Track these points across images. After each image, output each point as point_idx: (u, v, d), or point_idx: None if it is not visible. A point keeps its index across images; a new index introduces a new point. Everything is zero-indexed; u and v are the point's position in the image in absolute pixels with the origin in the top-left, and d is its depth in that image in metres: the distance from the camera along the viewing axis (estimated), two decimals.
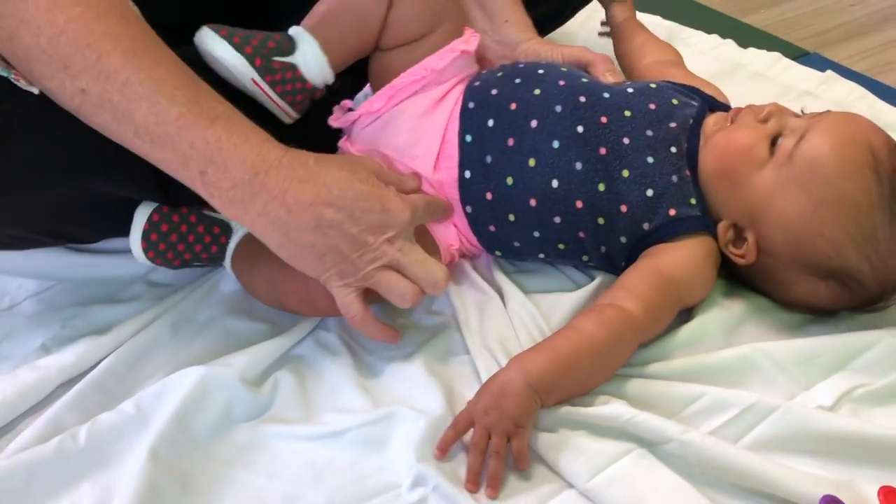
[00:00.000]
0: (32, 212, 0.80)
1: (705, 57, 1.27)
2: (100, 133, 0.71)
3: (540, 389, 0.70)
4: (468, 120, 0.84)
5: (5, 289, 0.91)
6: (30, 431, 0.72)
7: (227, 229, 0.86)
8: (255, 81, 0.81)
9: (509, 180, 0.82)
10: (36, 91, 0.71)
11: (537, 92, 0.84)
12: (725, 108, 0.88)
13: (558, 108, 0.82)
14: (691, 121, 0.84)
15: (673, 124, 0.83)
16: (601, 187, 0.81)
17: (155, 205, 0.83)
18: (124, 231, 0.84)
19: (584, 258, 0.86)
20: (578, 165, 0.81)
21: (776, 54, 1.28)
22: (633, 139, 0.82)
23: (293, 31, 0.84)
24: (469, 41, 0.88)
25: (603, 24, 1.14)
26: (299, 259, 0.74)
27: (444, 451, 0.69)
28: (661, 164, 0.81)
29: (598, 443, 0.69)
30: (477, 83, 0.87)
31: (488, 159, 0.83)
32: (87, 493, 0.68)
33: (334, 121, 0.88)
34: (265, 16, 0.90)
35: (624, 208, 0.81)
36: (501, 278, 0.87)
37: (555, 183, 0.81)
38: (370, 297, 0.76)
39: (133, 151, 0.71)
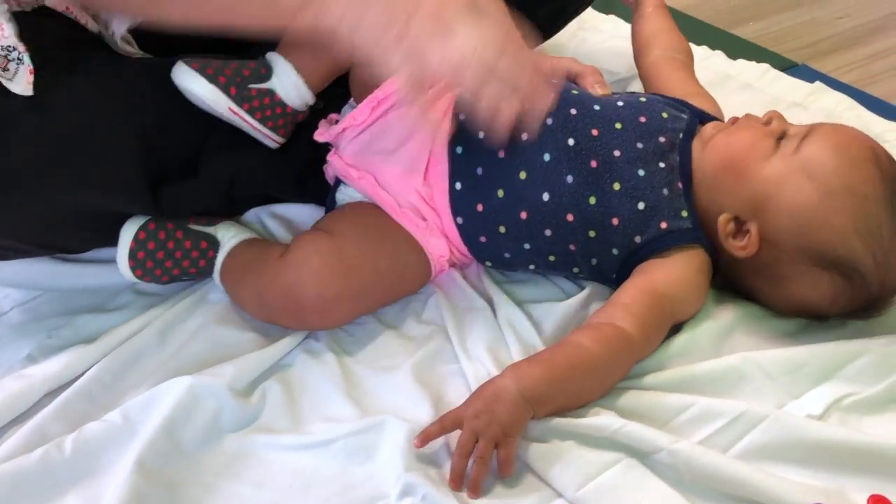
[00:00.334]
0: (19, 223, 0.79)
1: (695, 68, 1.28)
2: (86, 142, 0.71)
3: (533, 399, 0.70)
4: (458, 132, 0.85)
5: None
6: (14, 440, 0.72)
7: (214, 243, 0.86)
8: (232, 110, 0.82)
9: (500, 193, 0.82)
10: None
11: None
12: (717, 120, 0.88)
13: (549, 121, 0.82)
14: (681, 135, 0.84)
15: (662, 139, 0.83)
16: (592, 200, 0.81)
17: (141, 222, 0.83)
18: (113, 241, 0.83)
19: (575, 270, 0.86)
20: (570, 178, 0.81)
21: (765, 66, 1.29)
22: (624, 152, 0.82)
23: (268, 56, 0.86)
24: None
25: None
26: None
27: (424, 442, 0.68)
28: (651, 176, 0.81)
29: (588, 452, 0.69)
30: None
31: (479, 171, 0.83)
32: None
33: (319, 136, 0.88)
34: (244, 42, 0.90)
35: (615, 221, 0.81)
36: (492, 288, 0.87)
37: (546, 196, 0.81)
38: None
39: (213, 21, 0.71)
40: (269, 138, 0.86)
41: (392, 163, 0.85)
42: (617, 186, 0.81)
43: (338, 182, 0.89)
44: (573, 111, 0.83)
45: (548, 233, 0.82)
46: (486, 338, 0.80)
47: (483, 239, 0.85)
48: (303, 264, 0.80)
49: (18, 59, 0.74)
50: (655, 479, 0.67)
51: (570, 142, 0.82)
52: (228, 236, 0.86)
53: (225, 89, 0.82)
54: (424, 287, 0.88)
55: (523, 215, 0.82)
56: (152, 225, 0.83)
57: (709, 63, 1.31)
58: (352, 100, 0.90)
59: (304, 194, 0.94)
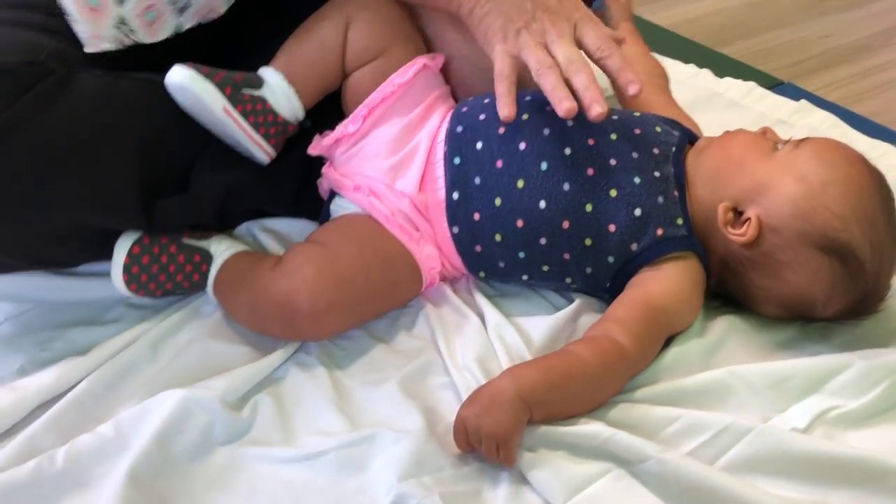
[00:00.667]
0: (11, 238, 0.79)
1: (682, 86, 1.28)
2: (80, 158, 0.71)
3: (531, 401, 0.71)
4: (456, 143, 0.86)
5: None
6: (6, 452, 0.72)
7: (207, 257, 0.86)
8: (226, 111, 0.82)
9: (497, 201, 0.84)
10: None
11: (525, 117, 0.85)
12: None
13: (546, 131, 0.84)
14: (674, 148, 0.86)
15: (656, 150, 0.85)
16: (588, 207, 0.82)
17: (135, 237, 0.83)
18: (105, 255, 0.84)
19: (568, 280, 0.87)
20: (566, 186, 0.82)
21: (751, 84, 1.31)
22: (620, 160, 0.83)
23: (260, 70, 0.87)
24: (435, 57, 0.91)
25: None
26: None
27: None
28: (647, 184, 0.83)
29: (577, 463, 0.70)
30: (465, 109, 0.89)
31: (477, 181, 0.84)
32: None
33: (313, 149, 0.89)
34: (238, 55, 0.92)
35: (612, 228, 0.82)
36: (482, 301, 0.87)
37: (542, 204, 0.83)
38: None
39: None
40: (261, 147, 0.86)
41: (386, 173, 0.86)
42: (613, 193, 0.82)
43: (332, 195, 0.90)
44: (570, 123, 0.84)
45: (543, 241, 0.84)
46: (476, 350, 0.81)
47: (478, 248, 0.86)
48: (296, 274, 0.80)
49: None
50: (643, 490, 0.68)
51: (567, 151, 0.83)
52: (221, 249, 0.87)
53: (220, 88, 0.82)
54: (415, 301, 0.88)
55: (520, 223, 0.83)
56: (147, 239, 0.84)
57: (696, 81, 1.32)
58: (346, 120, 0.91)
59: (297, 211, 0.94)
